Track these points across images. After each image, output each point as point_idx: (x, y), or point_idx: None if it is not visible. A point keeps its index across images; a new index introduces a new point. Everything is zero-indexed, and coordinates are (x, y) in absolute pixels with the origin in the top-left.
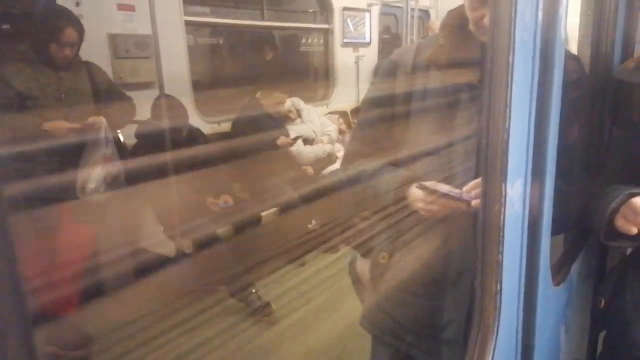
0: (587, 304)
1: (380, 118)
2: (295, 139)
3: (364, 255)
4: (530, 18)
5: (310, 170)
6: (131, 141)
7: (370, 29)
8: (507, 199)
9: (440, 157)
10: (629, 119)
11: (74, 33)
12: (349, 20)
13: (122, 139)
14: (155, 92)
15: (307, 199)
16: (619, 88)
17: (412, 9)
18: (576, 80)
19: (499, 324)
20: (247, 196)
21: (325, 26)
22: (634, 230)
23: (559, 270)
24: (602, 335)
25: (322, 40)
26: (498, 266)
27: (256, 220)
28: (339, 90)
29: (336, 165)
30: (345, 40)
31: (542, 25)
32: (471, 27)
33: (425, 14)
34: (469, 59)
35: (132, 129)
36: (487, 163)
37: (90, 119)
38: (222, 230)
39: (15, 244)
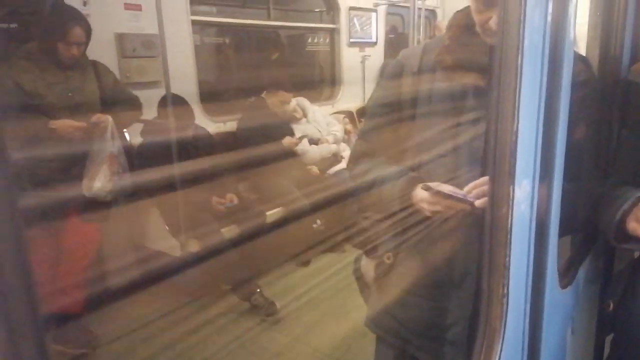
0: (595, 307)
1: (387, 119)
2: (301, 138)
3: (369, 255)
4: (540, 20)
5: (315, 169)
6: (137, 140)
7: (376, 28)
8: (515, 200)
9: (446, 158)
10: (638, 120)
11: (81, 32)
12: (355, 20)
13: (128, 137)
14: (161, 92)
15: (313, 199)
16: (629, 90)
17: (419, 9)
18: (585, 81)
19: (505, 326)
20: (252, 196)
21: (332, 26)
22: None
23: (567, 273)
24: (609, 338)
25: (328, 40)
26: (505, 269)
27: (261, 220)
28: (345, 90)
29: (342, 165)
30: (351, 40)
31: (551, 27)
32: (478, 29)
33: (432, 13)
34: (475, 61)
35: (138, 128)
36: (495, 164)
37: (96, 118)
38: (227, 229)
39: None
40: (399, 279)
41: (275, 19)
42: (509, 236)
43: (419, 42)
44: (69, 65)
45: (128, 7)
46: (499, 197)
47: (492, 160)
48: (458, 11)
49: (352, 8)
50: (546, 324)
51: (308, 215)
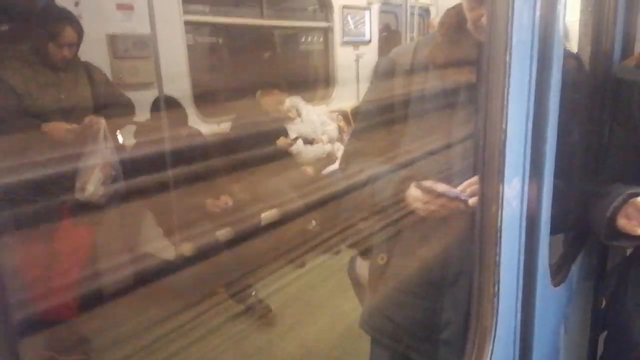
0: (588, 305)
1: (379, 117)
2: (295, 139)
3: (363, 256)
4: (528, 17)
5: (309, 170)
6: (130, 142)
7: (370, 27)
8: (505, 199)
9: (439, 156)
10: (629, 117)
11: (73, 33)
12: (349, 18)
13: (121, 139)
14: (154, 93)
15: (307, 200)
16: (619, 86)
17: (412, 7)
18: (576, 78)
19: (496, 325)
20: (246, 197)
21: (325, 24)
22: (639, 230)
23: (559, 271)
24: (602, 335)
25: (321, 39)
26: (496, 267)
27: (256, 221)
28: (339, 89)
29: (336, 165)
30: (345, 39)
31: (539, 24)
32: (469, 26)
33: (425, 11)
34: (467, 58)
35: (131, 129)
36: (484, 163)
37: (89, 120)
38: (221, 231)
39: (12, 246)
40: (393, 279)
41: (269, 18)
42: (499, 234)
43: (412, 39)
44: (61, 67)
45: (120, 7)
46: (489, 195)
47: (482, 158)
48: (450, 8)
49: (345, 6)
50: (538, 322)
51: (303, 216)
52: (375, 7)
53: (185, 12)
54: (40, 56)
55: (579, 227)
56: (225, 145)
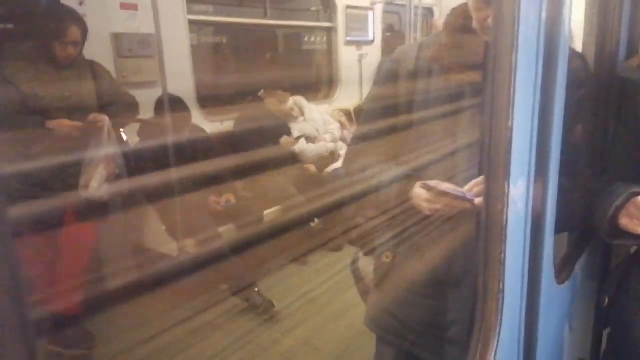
0: (592, 302)
1: (383, 117)
2: (298, 138)
3: (368, 254)
4: (534, 17)
5: (312, 168)
6: (134, 140)
7: (373, 27)
8: (510, 197)
9: (444, 156)
10: (633, 117)
11: (77, 32)
12: (352, 18)
13: (125, 137)
14: (158, 91)
15: (310, 198)
16: (624, 86)
17: (416, 7)
18: (580, 78)
19: (501, 323)
20: (249, 195)
21: (329, 24)
22: None
23: (563, 269)
24: (606, 332)
25: (325, 39)
26: (501, 265)
27: (258, 219)
28: (342, 89)
29: (339, 164)
30: (348, 39)
31: (546, 24)
32: (475, 27)
33: (429, 11)
34: (472, 58)
35: (135, 127)
36: (490, 162)
37: (93, 118)
38: (224, 229)
39: (17, 243)
40: (398, 277)
41: (272, 18)
42: (504, 233)
43: (415, 40)
44: (66, 65)
45: (124, 6)
46: (494, 194)
47: (487, 157)
48: (454, 9)
49: (349, 7)
50: (542, 320)
51: (306, 214)
52: (379, 8)
53: (189, 11)
54: (45, 55)
55: (583, 226)
56: (229, 144)
